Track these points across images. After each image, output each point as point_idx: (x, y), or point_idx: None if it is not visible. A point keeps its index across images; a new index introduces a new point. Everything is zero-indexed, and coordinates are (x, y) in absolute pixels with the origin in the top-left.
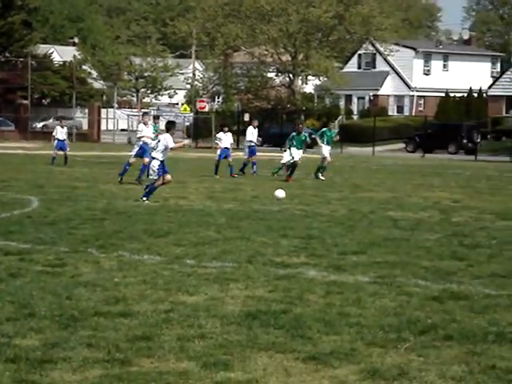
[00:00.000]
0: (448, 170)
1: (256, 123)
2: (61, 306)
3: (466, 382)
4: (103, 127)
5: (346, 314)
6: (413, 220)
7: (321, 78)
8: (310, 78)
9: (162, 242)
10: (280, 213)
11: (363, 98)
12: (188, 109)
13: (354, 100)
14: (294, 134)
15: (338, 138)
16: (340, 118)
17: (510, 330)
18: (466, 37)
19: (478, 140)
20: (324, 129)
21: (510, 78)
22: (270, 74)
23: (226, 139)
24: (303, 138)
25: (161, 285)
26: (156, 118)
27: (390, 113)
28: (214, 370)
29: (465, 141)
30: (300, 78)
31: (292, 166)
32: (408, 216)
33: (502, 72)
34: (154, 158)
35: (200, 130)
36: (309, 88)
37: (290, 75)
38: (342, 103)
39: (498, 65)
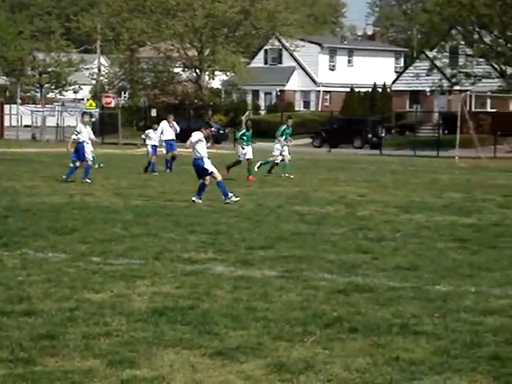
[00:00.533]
0: (354, 165)
1: (172, 118)
2: None
3: (370, 373)
4: (6, 123)
5: (253, 309)
6: (319, 214)
7: (228, 74)
8: (216, 73)
9: (67, 239)
10: (187, 209)
11: (270, 94)
12: (94, 104)
13: (261, 95)
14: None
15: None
16: (247, 113)
17: (413, 322)
18: (370, 32)
19: (383, 134)
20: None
21: (413, 73)
22: (176, 70)
23: (155, 136)
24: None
25: (66, 283)
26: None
27: (296, 108)
28: (119, 368)
29: (370, 135)
30: (207, 73)
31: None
32: (314, 210)
33: (406, 67)
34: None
35: (106, 126)
36: (216, 83)
37: (197, 70)
38: (249, 98)
39: (402, 60)
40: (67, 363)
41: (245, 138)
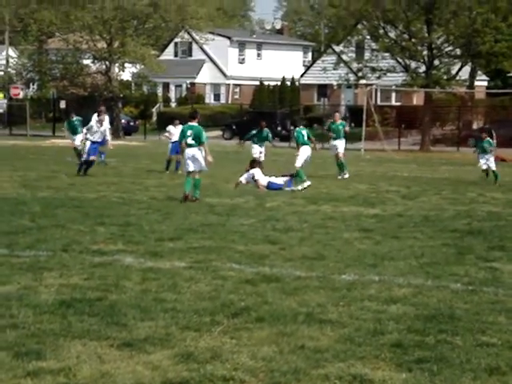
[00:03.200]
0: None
1: (103, 109)
2: None
3: (276, 362)
4: None
5: (162, 300)
6: (229, 206)
7: (138, 66)
8: (126, 65)
9: None
10: (97, 200)
11: (180, 86)
12: (1, 95)
13: (172, 88)
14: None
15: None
16: (158, 105)
17: (318, 311)
18: (278, 26)
19: (292, 127)
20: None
21: (320, 67)
22: (85, 61)
23: (176, 133)
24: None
25: None
26: None
27: (207, 101)
28: (26, 360)
29: (279, 128)
30: (116, 65)
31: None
32: (224, 202)
33: (313, 61)
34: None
35: (14, 118)
36: (126, 75)
37: (107, 62)
38: (159, 91)
39: (310, 54)
40: None
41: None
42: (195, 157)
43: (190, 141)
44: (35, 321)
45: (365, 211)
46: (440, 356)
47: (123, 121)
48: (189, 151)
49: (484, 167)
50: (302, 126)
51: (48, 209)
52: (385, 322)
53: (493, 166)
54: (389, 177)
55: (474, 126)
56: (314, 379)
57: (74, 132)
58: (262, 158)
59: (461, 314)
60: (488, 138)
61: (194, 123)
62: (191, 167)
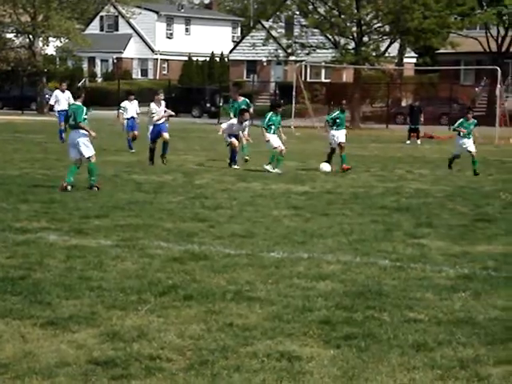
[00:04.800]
0: (192, 134)
1: (65, 86)
2: None
3: (204, 340)
4: None
5: (87, 278)
6: (157, 183)
7: (62, 40)
8: (51, 39)
9: None
10: (20, 177)
11: (107, 61)
12: None
13: (98, 62)
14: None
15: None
16: (83, 80)
17: (247, 289)
18: (206, 1)
19: (221, 104)
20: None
21: (249, 43)
22: (8, 35)
23: (131, 109)
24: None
25: None
26: None
27: (134, 76)
28: None
29: (208, 105)
30: (40, 39)
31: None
32: (152, 179)
33: (243, 37)
34: None
35: None
36: (50, 50)
37: (30, 36)
38: (85, 66)
39: (239, 29)
40: None
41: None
42: (74, 143)
43: (71, 121)
44: None
45: (294, 188)
46: (368, 332)
47: (47, 96)
48: (70, 136)
49: (457, 153)
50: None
51: None
52: (313, 299)
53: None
54: (318, 154)
55: (403, 104)
56: (242, 357)
57: None
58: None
59: (388, 290)
60: (474, 120)
61: (78, 102)
62: (71, 154)
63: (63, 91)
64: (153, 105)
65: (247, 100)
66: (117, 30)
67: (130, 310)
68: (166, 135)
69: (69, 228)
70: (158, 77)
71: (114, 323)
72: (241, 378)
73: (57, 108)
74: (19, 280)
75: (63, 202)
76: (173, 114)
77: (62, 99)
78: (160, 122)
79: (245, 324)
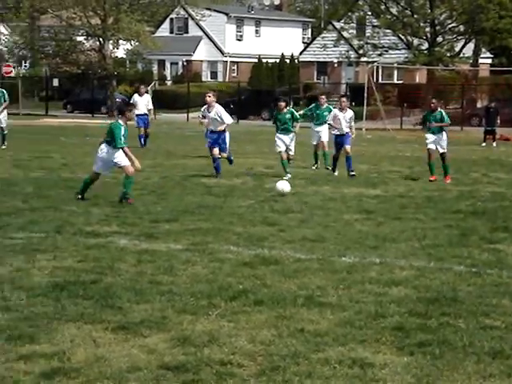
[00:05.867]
0: (260, 136)
1: (143, 90)
2: None
3: (275, 345)
4: None
5: (158, 283)
6: (226, 187)
7: (132, 43)
8: (121, 42)
9: None
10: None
11: (176, 64)
12: None
13: (168, 65)
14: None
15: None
16: (153, 83)
17: (318, 294)
18: (277, 2)
19: (291, 106)
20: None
21: (320, 44)
22: (79, 38)
23: (141, 103)
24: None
25: None
26: None
27: (203, 78)
28: (18, 343)
29: None
30: (111, 42)
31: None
32: (222, 183)
33: (313, 38)
34: None
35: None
36: (120, 53)
37: (100, 39)
38: (155, 68)
39: (309, 31)
40: None
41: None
42: (110, 159)
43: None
44: (28, 304)
45: (366, 192)
46: (442, 339)
47: (117, 99)
48: (107, 150)
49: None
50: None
51: (41, 190)
52: (386, 304)
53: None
54: (391, 157)
55: (478, 105)
56: (314, 363)
57: None
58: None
59: (464, 296)
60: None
61: (120, 121)
62: (101, 168)
63: (141, 95)
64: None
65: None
66: (187, 32)
67: (200, 314)
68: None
69: (139, 232)
70: (227, 79)
71: (184, 328)
72: None
73: (135, 112)
74: (90, 284)
75: (133, 206)
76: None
77: (140, 103)
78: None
79: (316, 330)
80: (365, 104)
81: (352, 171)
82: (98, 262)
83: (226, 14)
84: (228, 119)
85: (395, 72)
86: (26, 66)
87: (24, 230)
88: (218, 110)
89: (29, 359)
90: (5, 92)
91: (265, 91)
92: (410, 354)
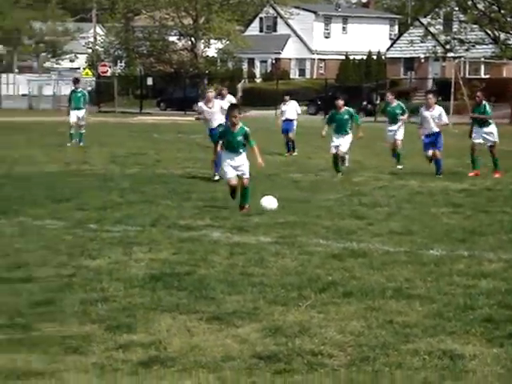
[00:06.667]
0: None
1: (225, 92)
2: None
3: (364, 336)
4: (3, 92)
5: (249, 274)
6: (314, 181)
7: (223, 42)
8: (212, 41)
9: (64, 207)
10: (183, 176)
11: (265, 62)
12: (90, 73)
13: (257, 63)
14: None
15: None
16: (243, 81)
17: (406, 286)
18: (364, 0)
19: (378, 102)
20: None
21: (407, 40)
22: (171, 38)
23: (288, 110)
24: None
25: (63, 250)
26: (77, 81)
27: (291, 76)
28: (117, 333)
29: (365, 103)
30: (202, 41)
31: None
32: (309, 177)
33: (400, 34)
34: None
35: (102, 95)
36: (211, 51)
37: (192, 39)
38: (244, 67)
39: (396, 27)
40: (65, 328)
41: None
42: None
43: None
44: (126, 294)
45: (452, 186)
46: None
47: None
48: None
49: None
50: None
51: (136, 185)
52: (475, 296)
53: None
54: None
55: None
56: (404, 354)
57: (77, 105)
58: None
59: None
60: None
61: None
62: (229, 175)
63: (223, 97)
64: None
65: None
66: (275, 30)
67: (291, 305)
68: None
69: (231, 225)
70: (315, 76)
71: (275, 318)
72: (402, 376)
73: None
74: (185, 276)
75: (225, 200)
76: None
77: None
78: None
79: (405, 321)
80: (451, 99)
81: (439, 174)
82: (192, 254)
83: (314, 12)
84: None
85: (482, 67)
86: (121, 66)
87: (121, 223)
88: (221, 103)
89: (127, 348)
90: (86, 93)
91: (352, 88)
92: (500, 345)
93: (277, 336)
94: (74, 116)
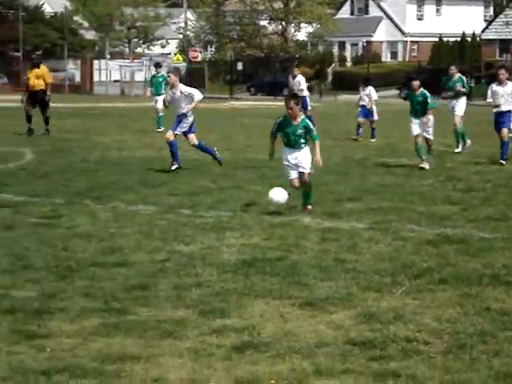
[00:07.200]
0: (441, 116)
1: (297, 72)
2: (57, 257)
3: (461, 323)
4: (96, 78)
5: (342, 260)
6: (407, 166)
7: (313, 25)
8: (302, 25)
9: (157, 192)
10: (274, 162)
11: (356, 45)
12: (181, 58)
13: (348, 47)
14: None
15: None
16: (333, 65)
17: (504, 273)
18: None
19: (472, 84)
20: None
21: (502, 22)
22: (262, 22)
23: (365, 96)
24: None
25: (156, 235)
26: (158, 65)
27: (383, 59)
28: (211, 318)
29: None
30: (293, 25)
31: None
32: (402, 162)
33: (495, 15)
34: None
35: (193, 80)
36: (302, 35)
37: (283, 23)
38: (335, 50)
39: (491, 8)
40: (159, 313)
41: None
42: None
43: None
44: (219, 280)
45: None
46: None
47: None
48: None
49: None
50: None
51: (227, 170)
52: None
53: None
54: None
55: None
56: (501, 342)
57: (157, 91)
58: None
59: None
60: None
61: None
62: (292, 176)
63: (294, 77)
64: None
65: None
66: (367, 13)
67: (384, 292)
68: None
69: (322, 211)
70: (407, 59)
71: (369, 305)
72: (500, 363)
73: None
74: (276, 261)
75: (315, 185)
76: None
77: (293, 86)
78: None
79: (502, 308)
80: None
81: (504, 160)
82: (283, 239)
83: None
84: (198, 94)
85: None
86: (211, 51)
87: (213, 208)
88: (184, 89)
89: (220, 333)
90: (167, 78)
91: (445, 70)
92: None
93: (371, 322)
94: (160, 101)
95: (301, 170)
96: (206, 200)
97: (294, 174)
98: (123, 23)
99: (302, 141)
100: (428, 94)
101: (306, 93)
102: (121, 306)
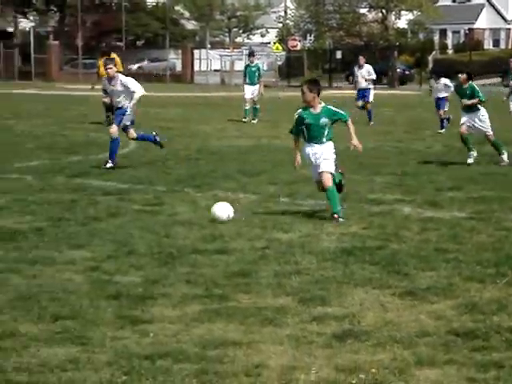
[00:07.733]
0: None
1: (363, 61)
2: (159, 243)
3: None
4: (196, 68)
5: (443, 250)
6: (511, 155)
7: (414, 13)
8: (403, 12)
9: (256, 180)
10: (373, 150)
11: (458, 32)
12: (280, 48)
13: (449, 34)
14: None
15: None
16: (434, 52)
17: None
18: None
19: None
20: None
21: None
22: (362, 10)
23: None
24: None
25: (256, 223)
26: (252, 55)
27: (485, 46)
28: (311, 305)
29: None
30: (393, 12)
31: None
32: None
33: None
34: None
35: (292, 69)
36: (402, 23)
37: (383, 10)
38: (436, 38)
39: None
40: (260, 300)
41: None
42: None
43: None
44: (318, 268)
45: None
46: None
47: (399, 70)
48: (312, 148)
49: None
50: None
51: None
52: None
53: None
54: None
55: None
56: None
57: (251, 81)
58: None
59: None
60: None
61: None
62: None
63: (361, 66)
64: None
65: None
66: (469, 0)
67: (487, 282)
68: None
69: (422, 200)
70: (510, 46)
71: (472, 295)
72: None
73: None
74: (376, 250)
75: (416, 174)
76: None
77: (359, 76)
78: None
79: None
80: None
81: None
82: (383, 228)
83: None
84: (138, 88)
85: None
86: (310, 40)
87: (312, 197)
88: (124, 81)
89: (321, 321)
90: (261, 68)
91: None
92: None
93: (473, 313)
94: (249, 92)
95: (319, 169)
96: (304, 189)
97: (316, 175)
98: (224, 13)
99: (325, 133)
100: (477, 89)
101: (371, 85)
102: (222, 292)
